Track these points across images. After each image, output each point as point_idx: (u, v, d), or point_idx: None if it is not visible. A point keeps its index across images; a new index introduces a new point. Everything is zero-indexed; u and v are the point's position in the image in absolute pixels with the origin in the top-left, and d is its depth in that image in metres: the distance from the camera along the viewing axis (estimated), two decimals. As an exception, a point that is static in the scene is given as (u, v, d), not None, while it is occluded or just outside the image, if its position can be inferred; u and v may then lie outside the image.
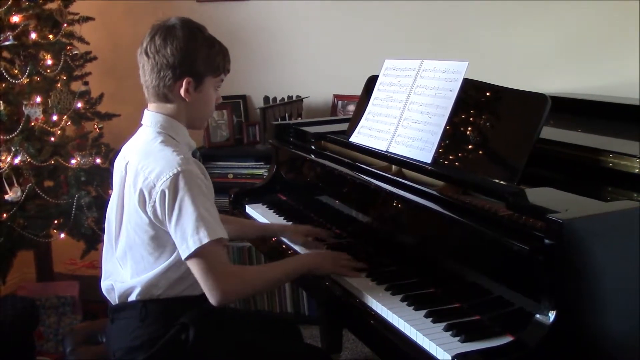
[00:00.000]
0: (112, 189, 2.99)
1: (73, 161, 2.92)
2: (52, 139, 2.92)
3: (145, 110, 1.71)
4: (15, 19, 2.79)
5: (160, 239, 1.59)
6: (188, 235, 1.51)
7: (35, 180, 2.86)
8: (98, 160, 3.04)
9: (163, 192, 1.53)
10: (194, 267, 1.55)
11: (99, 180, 3.07)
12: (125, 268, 1.68)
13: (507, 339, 1.34)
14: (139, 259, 1.63)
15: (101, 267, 1.78)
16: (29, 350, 2.51)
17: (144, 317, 1.63)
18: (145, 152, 1.62)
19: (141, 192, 1.56)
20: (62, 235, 3.00)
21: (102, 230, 3.01)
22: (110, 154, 3.16)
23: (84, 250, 3.05)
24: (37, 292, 3.12)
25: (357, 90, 3.26)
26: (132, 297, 1.65)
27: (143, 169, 1.58)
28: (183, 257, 1.54)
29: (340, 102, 3.32)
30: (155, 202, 1.54)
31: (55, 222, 2.93)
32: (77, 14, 3.07)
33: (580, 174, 1.72)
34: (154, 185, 1.54)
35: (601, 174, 1.67)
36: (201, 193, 1.55)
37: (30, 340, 2.53)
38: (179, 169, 1.53)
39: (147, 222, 1.58)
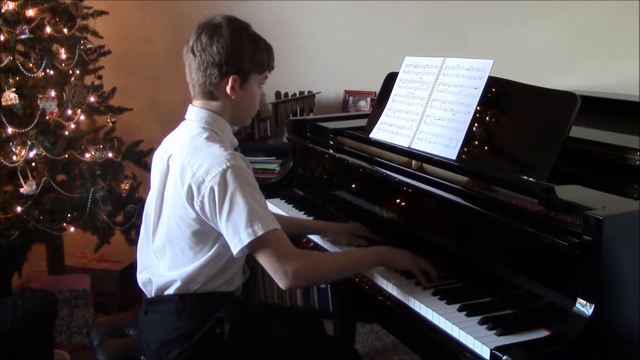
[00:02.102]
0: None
1: (87, 155, 2.94)
2: (66, 132, 2.93)
3: (190, 106, 1.73)
4: (31, 12, 2.80)
5: (203, 234, 1.61)
6: (241, 229, 1.52)
7: (50, 174, 2.87)
8: (110, 154, 3.05)
9: (212, 188, 1.54)
10: (259, 257, 1.57)
11: (112, 174, 3.09)
12: (162, 261, 1.70)
13: (542, 333, 1.38)
14: (179, 252, 1.65)
15: (136, 260, 1.80)
16: (48, 343, 2.52)
17: (180, 311, 1.65)
18: (191, 147, 1.63)
19: (189, 188, 1.58)
20: (72, 229, 3.01)
21: (116, 223, 3.05)
22: (123, 148, 3.18)
23: (97, 244, 3.07)
24: (49, 285, 3.13)
25: (368, 86, 3.33)
26: (170, 291, 1.67)
27: (190, 164, 1.59)
28: (235, 251, 1.55)
29: (351, 98, 3.34)
30: (204, 197, 1.56)
31: (69, 215, 2.94)
32: (90, 7, 3.07)
33: (599, 171, 1.76)
34: (203, 180, 1.56)
35: (622, 171, 1.71)
36: (251, 187, 1.57)
37: (50, 332, 2.55)
38: (227, 164, 1.55)
39: (194, 217, 1.59)
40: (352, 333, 2.89)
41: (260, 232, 1.52)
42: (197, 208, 1.58)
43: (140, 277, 1.76)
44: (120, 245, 3.24)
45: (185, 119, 1.75)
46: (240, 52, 1.65)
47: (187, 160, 1.60)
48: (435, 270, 1.70)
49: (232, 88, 1.66)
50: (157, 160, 1.76)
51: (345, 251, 1.85)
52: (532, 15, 3.08)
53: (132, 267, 3.49)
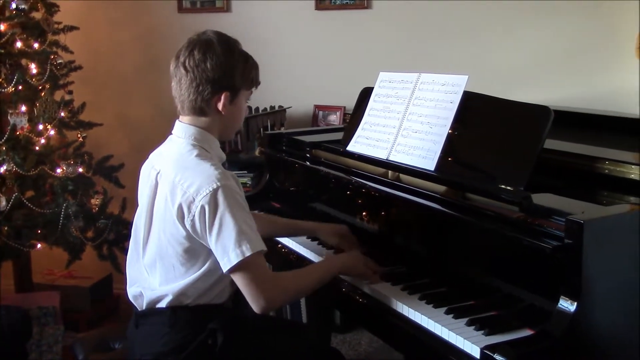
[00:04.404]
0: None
1: (58, 170, 2.92)
2: (37, 147, 2.91)
3: (177, 122, 1.75)
4: (1, 27, 2.79)
5: (194, 251, 1.63)
6: (230, 249, 1.56)
7: (19, 190, 2.84)
8: (81, 170, 3.03)
9: (203, 207, 1.56)
10: (237, 278, 1.60)
11: (83, 190, 3.07)
12: (153, 275, 1.72)
13: (526, 332, 1.45)
14: (170, 268, 1.67)
15: (125, 274, 1.81)
16: (22, 362, 2.48)
17: (173, 324, 1.66)
18: (181, 165, 1.65)
19: (180, 207, 1.59)
20: (39, 246, 2.98)
21: (87, 239, 3.03)
22: (93, 163, 3.17)
23: (68, 260, 3.04)
24: (17, 303, 3.06)
25: (338, 101, 3.40)
26: (162, 304, 1.68)
27: (181, 182, 1.61)
28: (224, 270, 1.59)
29: (321, 113, 3.41)
30: (194, 216, 1.58)
31: (39, 231, 2.91)
32: (60, 22, 3.07)
33: (570, 180, 1.86)
34: (194, 199, 1.58)
35: (591, 179, 1.82)
36: (240, 207, 1.60)
37: (24, 351, 2.51)
38: (218, 184, 1.57)
39: (185, 234, 1.61)
40: (327, 342, 2.93)
41: (248, 253, 1.56)
42: (188, 226, 1.60)
43: (131, 291, 1.77)
44: (89, 261, 3.22)
45: (172, 134, 1.77)
46: (233, 68, 1.68)
47: (178, 179, 1.62)
48: (378, 266, 1.82)
49: (224, 104, 1.69)
50: (145, 176, 1.77)
51: (309, 267, 1.90)
52: (497, 34, 3.23)
53: (102, 283, 3.51)
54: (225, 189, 1.58)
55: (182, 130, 1.72)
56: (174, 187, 1.62)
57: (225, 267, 1.58)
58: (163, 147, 1.78)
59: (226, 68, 1.66)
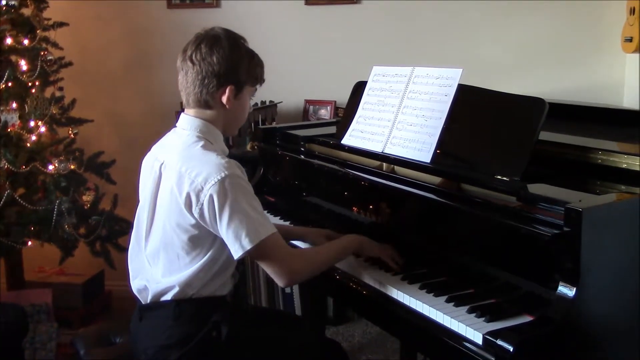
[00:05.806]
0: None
1: (50, 167, 2.91)
2: (28, 144, 2.90)
3: (183, 114, 1.77)
4: (-10, 23, 2.77)
5: (199, 239, 1.66)
6: (242, 235, 1.59)
7: (11, 187, 2.83)
8: (72, 166, 3.03)
9: (211, 196, 1.59)
10: (259, 261, 1.65)
11: (75, 186, 3.06)
12: (155, 267, 1.73)
13: (526, 318, 1.49)
14: (174, 258, 1.68)
15: (127, 267, 1.82)
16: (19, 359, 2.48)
17: (177, 316, 1.68)
18: (187, 155, 1.67)
19: (188, 195, 1.62)
20: (30, 243, 2.97)
21: (80, 235, 3.03)
22: (84, 159, 3.16)
23: (61, 257, 3.04)
24: (10, 301, 3.06)
25: (328, 96, 3.43)
26: (167, 297, 1.70)
27: (188, 172, 1.63)
28: (236, 257, 1.62)
29: (311, 107, 3.44)
30: (203, 204, 1.60)
31: (32, 228, 2.90)
32: (50, 19, 3.05)
33: (561, 170, 1.90)
34: (202, 188, 1.60)
35: (582, 169, 1.86)
36: (248, 194, 1.64)
37: (20, 348, 2.50)
38: (226, 172, 1.60)
39: (193, 222, 1.63)
40: (322, 334, 2.96)
41: (261, 237, 1.61)
42: (196, 214, 1.62)
43: (135, 284, 1.79)
44: (80, 258, 3.21)
45: (175, 127, 1.79)
46: (239, 63, 1.71)
47: (184, 169, 1.64)
48: (399, 256, 1.84)
49: (228, 98, 1.71)
50: (147, 168, 1.79)
51: (326, 244, 1.94)
52: (485, 28, 3.28)
53: (94, 280, 3.50)
54: (232, 177, 1.61)
55: (188, 123, 1.74)
56: (180, 176, 1.64)
57: (237, 253, 1.61)
58: (166, 139, 1.80)
59: (232, 62, 1.69)
